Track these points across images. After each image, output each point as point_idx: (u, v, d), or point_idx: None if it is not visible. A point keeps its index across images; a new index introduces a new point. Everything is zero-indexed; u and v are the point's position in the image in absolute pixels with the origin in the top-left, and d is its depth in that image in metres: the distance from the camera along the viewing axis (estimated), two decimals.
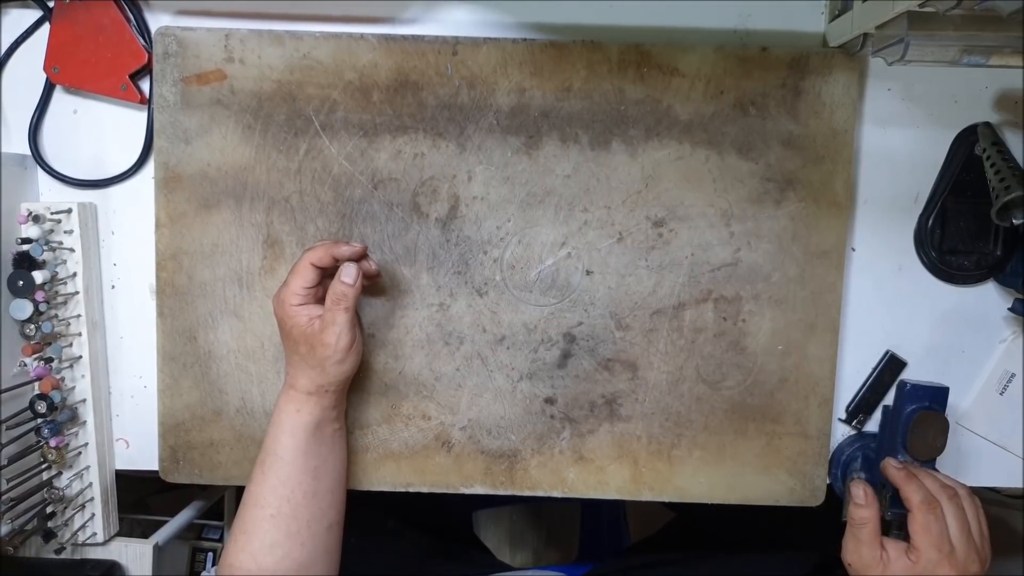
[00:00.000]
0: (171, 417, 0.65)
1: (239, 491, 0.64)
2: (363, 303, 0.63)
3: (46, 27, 0.62)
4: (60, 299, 0.62)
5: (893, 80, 0.64)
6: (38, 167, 0.65)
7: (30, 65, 0.63)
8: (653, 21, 0.63)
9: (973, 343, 0.67)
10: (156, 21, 0.63)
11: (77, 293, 0.63)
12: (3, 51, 0.64)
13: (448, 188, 0.62)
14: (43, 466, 0.62)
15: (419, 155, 0.62)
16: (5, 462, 0.59)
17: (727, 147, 0.62)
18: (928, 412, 0.59)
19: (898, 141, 0.65)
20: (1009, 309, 0.65)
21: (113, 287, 0.66)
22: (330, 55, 0.61)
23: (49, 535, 0.63)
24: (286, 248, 0.63)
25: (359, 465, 0.65)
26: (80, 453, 0.65)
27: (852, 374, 0.67)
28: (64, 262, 0.63)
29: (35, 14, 0.63)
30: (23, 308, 0.60)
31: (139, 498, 0.95)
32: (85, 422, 0.65)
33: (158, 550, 0.71)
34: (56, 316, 0.62)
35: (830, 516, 0.65)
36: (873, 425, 0.67)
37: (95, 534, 0.66)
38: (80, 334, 0.63)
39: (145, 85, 0.64)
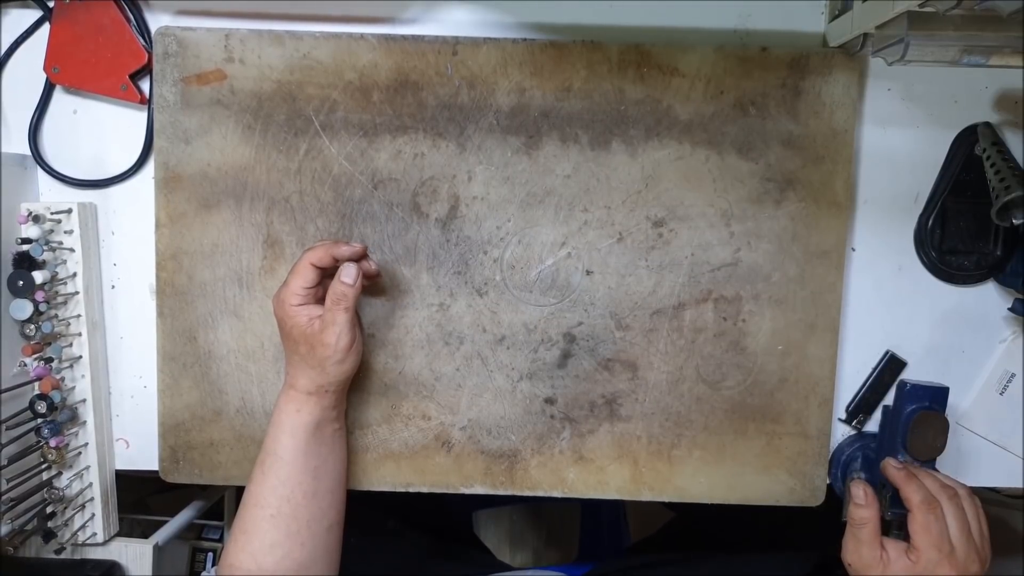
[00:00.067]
0: (171, 417, 0.65)
1: (239, 491, 0.64)
2: (363, 303, 0.63)
3: (46, 27, 0.62)
4: (60, 299, 0.62)
5: (893, 80, 0.64)
6: (38, 167, 0.65)
7: (30, 65, 0.63)
8: (653, 21, 0.63)
9: (973, 343, 0.67)
10: (156, 21, 0.63)
11: (77, 293, 0.63)
12: (3, 51, 0.64)
13: (448, 188, 0.62)
14: (43, 466, 0.62)
15: (419, 155, 0.62)
16: (5, 462, 0.59)
17: (727, 147, 0.62)
18: (928, 412, 0.59)
19: (898, 141, 0.65)
20: (1009, 309, 0.65)
21: (113, 287, 0.66)
22: (330, 55, 0.61)
23: (49, 535, 0.63)
24: (286, 248, 0.63)
25: (359, 465, 0.65)
26: (80, 453, 0.65)
27: (852, 374, 0.67)
28: (64, 262, 0.63)
29: (35, 14, 0.63)
30: (23, 308, 0.60)
31: (139, 498, 0.95)
32: (85, 422, 0.65)
33: (158, 550, 0.71)
34: (56, 316, 0.62)
35: (830, 516, 0.65)
36: (873, 425, 0.67)
37: (95, 534, 0.66)
38: (80, 334, 0.63)
39: (145, 85, 0.64)
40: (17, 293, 0.60)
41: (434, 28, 0.63)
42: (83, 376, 0.64)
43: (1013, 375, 0.66)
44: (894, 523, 0.59)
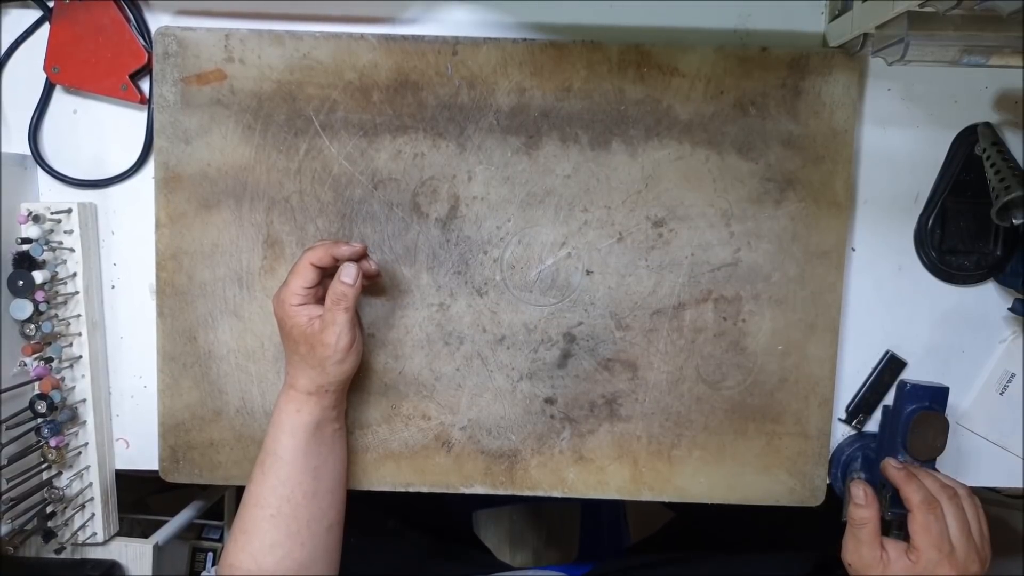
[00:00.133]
0: (171, 417, 0.65)
1: (239, 491, 0.64)
2: (363, 303, 0.63)
3: (46, 27, 0.62)
4: (60, 299, 0.62)
5: (893, 80, 0.64)
6: (38, 167, 0.65)
7: (30, 65, 0.63)
8: (653, 21, 0.63)
9: (973, 343, 0.67)
10: (156, 21, 0.63)
11: (77, 293, 0.63)
12: (3, 51, 0.64)
13: (448, 188, 0.62)
14: (43, 466, 0.62)
15: (419, 155, 0.62)
16: (5, 462, 0.59)
17: (727, 147, 0.62)
18: (928, 412, 0.59)
19: (898, 141, 0.65)
20: (1009, 309, 0.65)
21: (113, 287, 0.66)
22: (330, 55, 0.61)
23: (49, 535, 0.63)
24: (286, 248, 0.63)
25: (359, 465, 0.65)
26: (80, 453, 0.65)
27: (852, 374, 0.67)
28: (64, 262, 0.63)
29: (35, 14, 0.63)
30: (23, 308, 0.60)
31: (139, 498, 0.95)
32: (85, 422, 0.65)
33: (158, 550, 0.71)
34: (56, 316, 0.62)
35: (830, 516, 0.65)
36: (873, 425, 0.67)
37: (95, 534, 0.66)
38: (80, 334, 0.63)
39: (145, 85, 0.64)
40: (17, 293, 0.60)
41: (434, 28, 0.63)
42: (83, 376, 0.64)
43: (1013, 375, 0.66)
44: (894, 523, 0.59)
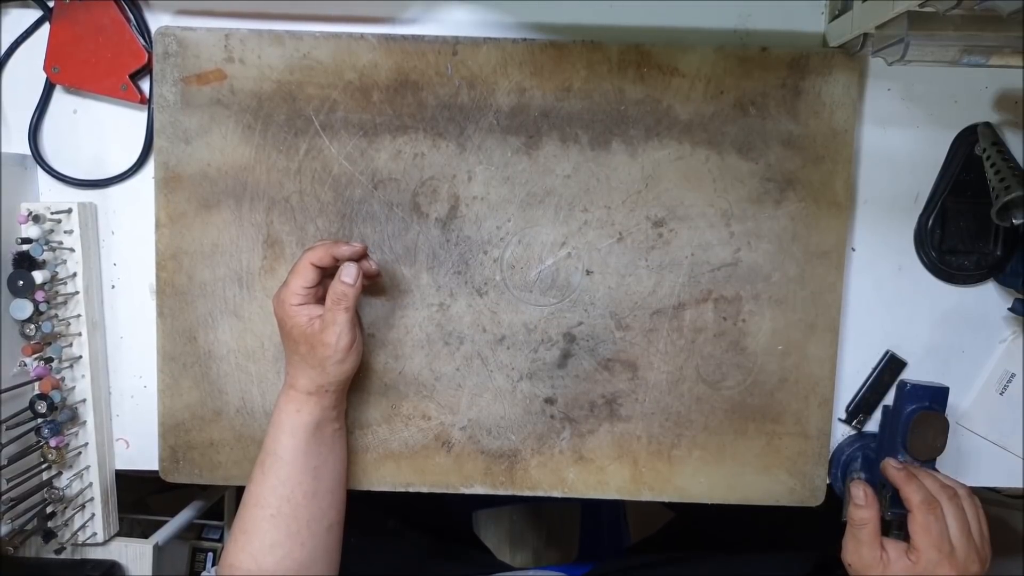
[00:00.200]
0: (171, 417, 0.65)
1: (239, 491, 0.64)
2: (363, 303, 0.63)
3: (46, 27, 0.62)
4: (60, 299, 0.62)
5: (893, 80, 0.64)
6: (38, 167, 0.65)
7: (30, 65, 0.63)
8: (653, 21, 0.63)
9: (973, 343, 0.67)
10: (156, 21, 0.63)
11: (77, 293, 0.63)
12: (3, 51, 0.64)
13: (448, 188, 0.62)
14: (43, 466, 0.62)
15: (419, 155, 0.62)
16: (5, 462, 0.59)
17: (727, 147, 0.62)
18: (928, 412, 0.59)
19: (898, 141, 0.65)
20: (1009, 309, 0.65)
21: (113, 287, 0.66)
22: (330, 55, 0.61)
23: (49, 535, 0.63)
24: (286, 248, 0.63)
25: (359, 465, 0.65)
26: (80, 453, 0.65)
27: (852, 374, 0.67)
28: (64, 262, 0.63)
29: (35, 14, 0.63)
30: (23, 308, 0.60)
31: (139, 498, 0.95)
32: (85, 422, 0.65)
33: (158, 550, 0.71)
34: (56, 316, 0.62)
35: (830, 516, 0.65)
36: (873, 425, 0.67)
37: (95, 534, 0.66)
38: (80, 334, 0.63)
39: (145, 85, 0.64)
40: (17, 293, 0.60)
41: (434, 28, 0.63)
42: (83, 376, 0.64)
43: (1013, 375, 0.66)
44: (894, 523, 0.59)
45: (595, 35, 0.62)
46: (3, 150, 0.64)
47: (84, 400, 0.64)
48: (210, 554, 0.91)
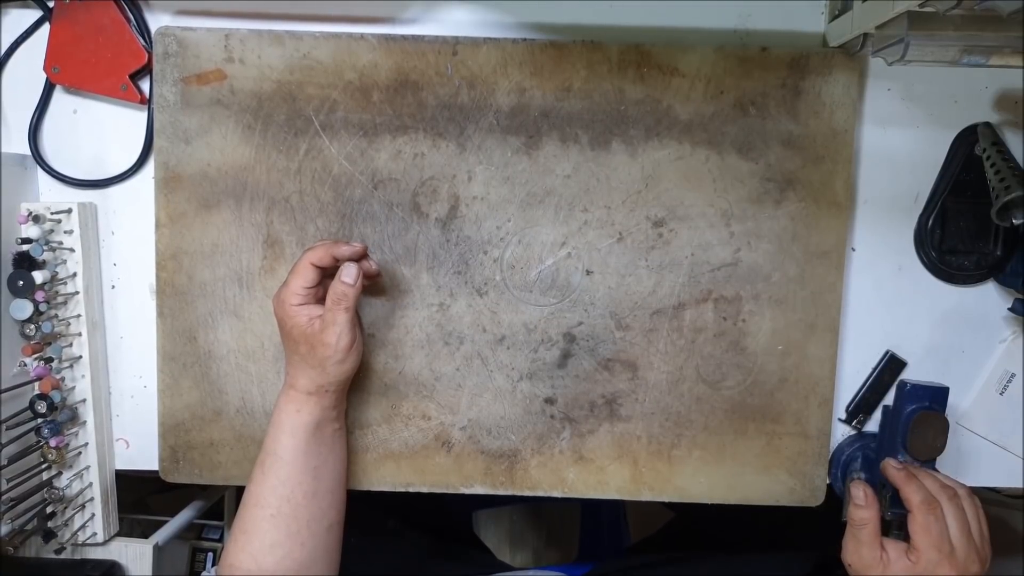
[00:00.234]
0: (171, 417, 0.65)
1: (239, 491, 0.64)
2: (363, 303, 0.63)
3: (46, 27, 0.62)
4: (60, 299, 0.62)
5: (893, 80, 0.64)
6: (38, 167, 0.65)
7: (30, 65, 0.63)
8: (653, 21, 0.63)
9: (973, 343, 0.67)
10: (156, 21, 0.63)
11: (77, 293, 0.63)
12: (3, 51, 0.64)
13: (448, 188, 0.62)
14: (43, 466, 0.62)
15: (419, 155, 0.62)
16: (5, 462, 0.59)
17: (727, 147, 0.62)
18: (928, 412, 0.59)
19: (898, 141, 0.65)
20: (1009, 309, 0.65)
21: (113, 287, 0.66)
22: (330, 55, 0.61)
23: (49, 535, 0.63)
24: (286, 248, 0.63)
25: (359, 465, 0.65)
26: (80, 453, 0.65)
27: (852, 374, 0.67)
28: (64, 262, 0.63)
29: (35, 14, 0.63)
30: (23, 308, 0.60)
31: (139, 498, 0.95)
32: (85, 422, 0.65)
33: (158, 550, 0.71)
34: (56, 316, 0.62)
35: (830, 516, 0.65)
36: (873, 425, 0.67)
37: (95, 534, 0.66)
38: (80, 334, 0.63)
39: (145, 85, 0.64)
40: (17, 293, 0.60)
41: (434, 28, 0.63)
42: (83, 376, 0.64)
43: (1013, 375, 0.66)
44: (894, 523, 0.59)
45: (595, 35, 0.62)
46: (3, 150, 0.64)
47: (84, 400, 0.64)
48: (210, 554, 0.91)
